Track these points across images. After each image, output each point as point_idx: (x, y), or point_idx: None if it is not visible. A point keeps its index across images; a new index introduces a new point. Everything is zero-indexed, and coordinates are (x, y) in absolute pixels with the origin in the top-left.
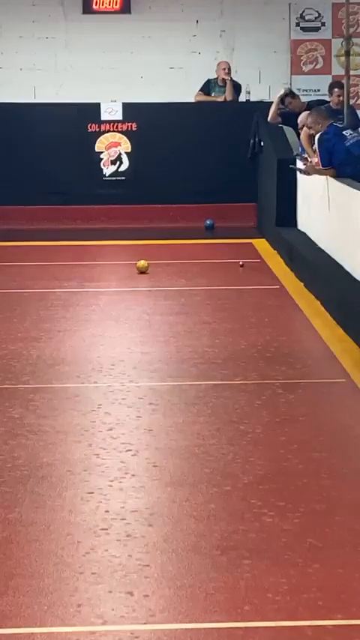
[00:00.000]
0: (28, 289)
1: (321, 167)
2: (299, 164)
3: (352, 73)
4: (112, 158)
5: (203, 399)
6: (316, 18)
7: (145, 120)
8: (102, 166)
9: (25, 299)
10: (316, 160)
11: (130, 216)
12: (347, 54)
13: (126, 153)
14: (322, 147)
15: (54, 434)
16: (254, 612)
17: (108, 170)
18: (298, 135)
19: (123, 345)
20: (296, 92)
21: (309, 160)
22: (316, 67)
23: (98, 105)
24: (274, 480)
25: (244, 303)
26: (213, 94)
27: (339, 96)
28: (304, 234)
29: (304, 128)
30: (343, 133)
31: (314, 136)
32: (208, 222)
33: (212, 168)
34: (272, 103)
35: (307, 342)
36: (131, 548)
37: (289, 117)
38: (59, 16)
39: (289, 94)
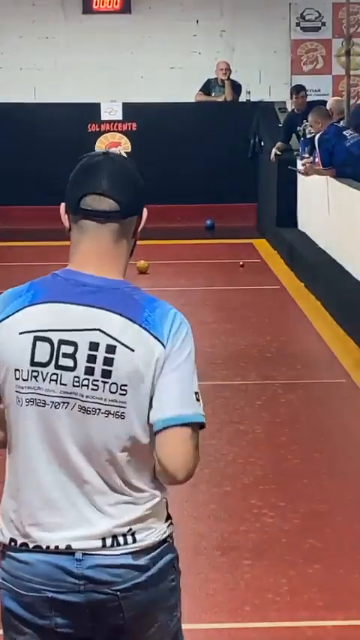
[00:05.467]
0: None
1: (321, 167)
2: (299, 164)
3: (352, 73)
4: None
5: (203, 399)
6: (316, 18)
7: (145, 120)
8: None
9: None
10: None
11: None
12: (347, 54)
13: (126, 153)
14: (323, 147)
15: None
16: (254, 612)
17: None
18: (298, 137)
19: None
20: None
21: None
22: (316, 67)
23: (98, 105)
24: (274, 481)
25: (244, 303)
26: (213, 94)
27: None
28: (304, 234)
29: None
30: (344, 133)
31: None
32: (208, 222)
33: (212, 168)
34: (272, 103)
35: (307, 342)
36: None
37: (293, 118)
38: (59, 16)
39: (302, 89)
